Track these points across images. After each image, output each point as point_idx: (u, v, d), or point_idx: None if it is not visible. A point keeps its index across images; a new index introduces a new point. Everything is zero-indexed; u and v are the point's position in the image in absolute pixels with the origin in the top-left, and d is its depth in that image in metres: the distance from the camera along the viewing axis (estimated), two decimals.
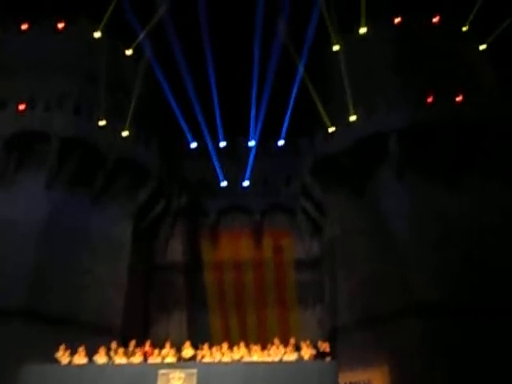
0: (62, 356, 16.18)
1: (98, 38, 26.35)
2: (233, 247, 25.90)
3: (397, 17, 25.91)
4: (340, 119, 23.89)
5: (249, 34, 27.29)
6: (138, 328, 22.55)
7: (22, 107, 22.67)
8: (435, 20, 26.02)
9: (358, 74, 24.82)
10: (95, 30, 26.28)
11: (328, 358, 16.57)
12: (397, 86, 23.42)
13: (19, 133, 22.18)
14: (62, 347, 16.44)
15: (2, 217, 21.32)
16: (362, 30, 26.22)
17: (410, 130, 21.79)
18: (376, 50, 25.51)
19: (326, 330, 22.30)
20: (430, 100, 22.30)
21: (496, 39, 26.37)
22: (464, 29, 26.63)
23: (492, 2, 26.27)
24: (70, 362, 16.07)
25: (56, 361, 16.16)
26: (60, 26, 26.27)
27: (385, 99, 22.82)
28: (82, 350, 16.33)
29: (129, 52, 27.27)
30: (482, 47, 26.36)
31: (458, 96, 22.26)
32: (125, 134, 23.92)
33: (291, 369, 15.93)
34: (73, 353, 16.31)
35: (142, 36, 26.70)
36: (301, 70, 26.02)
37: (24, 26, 26.45)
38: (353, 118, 23.36)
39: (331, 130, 24.00)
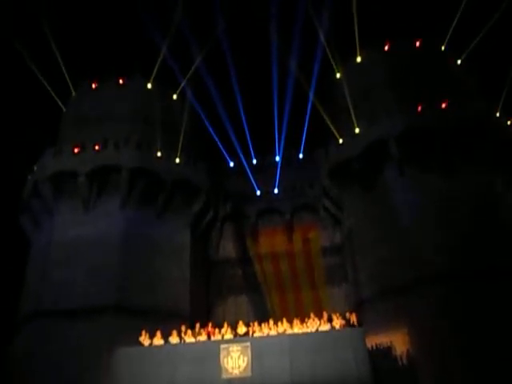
0: (144, 339, 16.46)
1: (151, 88, 26.94)
2: (270, 242, 25.78)
3: (385, 44, 25.53)
4: (347, 131, 23.58)
5: (268, 71, 27.52)
6: (201, 312, 22.60)
7: (97, 148, 23.20)
8: (417, 44, 25.50)
9: (358, 93, 24.47)
10: (148, 82, 26.91)
11: (356, 326, 16.33)
12: (390, 100, 22.98)
13: (97, 167, 22.65)
14: (144, 332, 16.72)
15: (89, 233, 21.72)
16: (358, 59, 26.08)
17: (405, 134, 21.36)
18: (371, 72, 25.05)
19: (351, 303, 21.90)
20: (419, 109, 21.87)
21: (471, 53, 25.73)
22: (442, 48, 25.99)
23: (464, 23, 25.72)
24: (150, 344, 16.34)
25: (139, 343, 16.45)
26: (121, 81, 26.90)
27: (382, 112, 22.45)
28: (158, 334, 16.58)
29: (174, 96, 27.65)
30: (459, 61, 25.69)
31: (442, 103, 21.79)
32: (177, 160, 24.19)
33: (326, 336, 15.81)
34: (152, 336, 16.57)
35: (183, 83, 27.18)
36: (311, 95, 25.94)
37: (94, 85, 27.26)
38: (357, 130, 23.09)
39: (341, 141, 23.76)
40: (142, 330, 16.87)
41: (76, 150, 23.22)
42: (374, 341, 17.96)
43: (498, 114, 22.48)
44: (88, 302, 19.79)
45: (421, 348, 17.91)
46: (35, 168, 24.11)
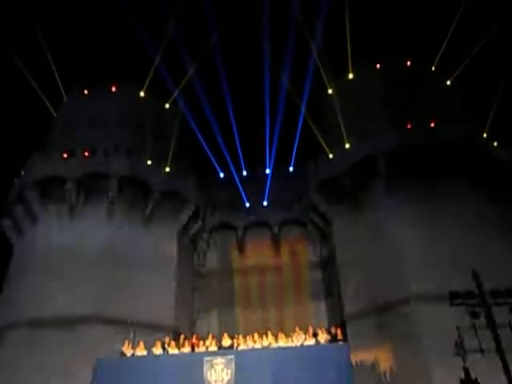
0: (127, 350, 16.16)
1: (143, 97, 26.98)
2: (257, 255, 25.67)
3: (377, 63, 26.00)
4: (337, 147, 23.83)
5: (260, 84, 27.90)
6: (185, 324, 22.33)
7: (86, 154, 23.08)
8: (408, 63, 26.02)
9: (348, 109, 24.80)
10: (140, 90, 26.97)
11: (341, 341, 16.23)
12: (381, 118, 23.34)
13: (85, 174, 22.49)
14: (126, 342, 16.42)
15: (74, 241, 21.47)
16: (350, 76, 26.52)
17: (394, 152, 21.69)
18: (362, 89, 25.45)
19: (336, 318, 21.85)
20: (409, 127, 22.22)
21: (460, 74, 26.35)
22: (432, 68, 26.54)
23: (454, 45, 26.37)
24: (133, 355, 16.05)
25: (122, 354, 16.15)
26: (113, 89, 26.91)
27: (372, 128, 22.75)
28: (141, 344, 16.31)
29: (166, 105, 27.71)
30: (448, 82, 26.24)
31: (431, 122, 22.17)
32: (167, 170, 24.13)
33: (310, 351, 15.66)
34: (134, 347, 16.28)
35: (176, 92, 27.35)
36: (303, 109, 26.23)
37: (85, 92, 27.18)
38: (347, 145, 23.36)
39: (330, 156, 23.98)
40: (125, 340, 16.58)
41: (65, 156, 23.07)
42: (358, 357, 17.91)
43: (485, 135, 22.91)
44: (73, 311, 19.46)
45: (405, 365, 17.89)
46: (22, 172, 23.85)
